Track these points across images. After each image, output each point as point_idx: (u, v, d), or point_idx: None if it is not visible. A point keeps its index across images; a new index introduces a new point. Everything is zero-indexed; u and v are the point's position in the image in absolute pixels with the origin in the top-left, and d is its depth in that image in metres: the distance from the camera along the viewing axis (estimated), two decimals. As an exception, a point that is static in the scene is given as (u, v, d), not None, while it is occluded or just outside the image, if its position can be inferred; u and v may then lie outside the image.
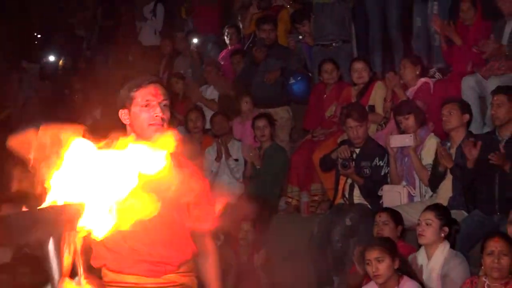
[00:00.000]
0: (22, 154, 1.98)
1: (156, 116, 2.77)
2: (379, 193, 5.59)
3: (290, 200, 6.51)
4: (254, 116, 6.67)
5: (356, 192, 5.67)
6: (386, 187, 5.57)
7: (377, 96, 6.32)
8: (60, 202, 1.90)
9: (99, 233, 1.96)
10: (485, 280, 4.13)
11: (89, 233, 1.96)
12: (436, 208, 4.72)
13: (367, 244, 4.35)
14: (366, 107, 6.15)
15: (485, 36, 6.05)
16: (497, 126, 5.08)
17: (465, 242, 4.80)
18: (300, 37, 7.49)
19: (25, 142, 1.97)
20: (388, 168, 5.60)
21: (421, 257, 4.62)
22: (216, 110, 7.44)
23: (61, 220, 1.89)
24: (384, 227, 4.86)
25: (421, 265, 4.56)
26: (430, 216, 4.60)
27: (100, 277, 2.84)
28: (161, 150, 2.03)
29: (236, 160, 6.76)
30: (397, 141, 5.55)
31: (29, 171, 1.97)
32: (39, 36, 11.94)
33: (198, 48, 8.78)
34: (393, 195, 5.49)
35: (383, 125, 6.15)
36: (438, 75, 6.38)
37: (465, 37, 6.22)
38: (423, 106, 5.83)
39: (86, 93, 8.81)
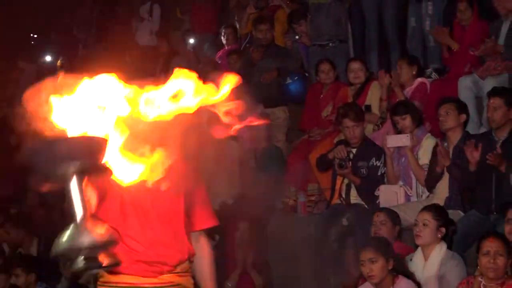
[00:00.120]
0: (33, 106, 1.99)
1: None
2: (376, 193, 5.59)
3: (287, 200, 6.51)
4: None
5: (353, 192, 5.67)
6: (382, 187, 5.57)
7: (374, 96, 6.33)
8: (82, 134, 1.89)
9: (119, 175, 1.95)
10: (481, 280, 4.14)
11: (110, 173, 1.94)
12: (433, 208, 4.72)
13: (361, 244, 4.37)
14: (363, 107, 6.16)
15: (482, 37, 6.06)
16: (493, 128, 5.09)
17: (462, 242, 4.81)
18: (297, 37, 7.49)
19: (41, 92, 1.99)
20: (385, 168, 5.61)
21: (418, 257, 4.62)
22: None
23: (86, 150, 1.86)
24: (382, 227, 4.86)
25: (418, 266, 4.57)
26: (427, 216, 4.60)
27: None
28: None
29: (234, 160, 6.75)
30: (394, 141, 5.55)
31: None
32: (35, 36, 11.92)
33: (194, 48, 8.77)
34: (390, 195, 5.50)
35: (380, 125, 6.15)
36: (434, 75, 6.39)
37: (462, 38, 6.23)
38: (419, 106, 5.83)
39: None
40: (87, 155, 1.88)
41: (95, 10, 10.60)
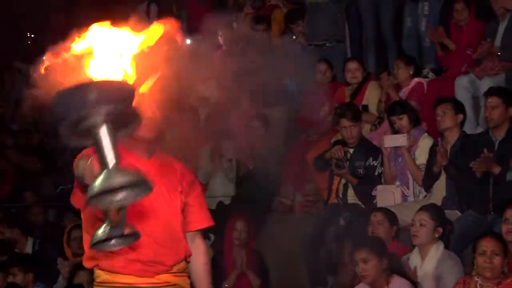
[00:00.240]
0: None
1: None
2: (373, 193, 5.59)
3: (284, 200, 6.50)
4: (248, 116, 6.66)
5: (350, 192, 5.67)
6: (380, 187, 5.57)
7: (371, 96, 6.33)
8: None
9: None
10: (477, 280, 4.14)
11: (140, 121, 1.90)
12: (430, 208, 4.72)
13: (354, 245, 4.38)
14: (360, 107, 6.16)
15: (479, 37, 6.07)
16: (490, 127, 5.10)
17: (459, 242, 4.81)
18: (294, 37, 7.49)
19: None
20: (382, 168, 5.61)
21: (415, 257, 4.62)
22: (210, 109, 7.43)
23: (117, 94, 1.79)
24: (379, 227, 4.87)
25: (416, 266, 4.57)
26: (424, 217, 4.60)
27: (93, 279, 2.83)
28: None
29: (230, 160, 6.76)
30: (391, 141, 5.56)
31: None
32: (31, 36, 11.89)
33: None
34: (387, 195, 5.50)
35: (377, 125, 6.15)
36: (431, 75, 6.40)
37: (458, 38, 6.23)
38: (416, 106, 5.84)
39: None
40: (119, 100, 1.80)
41: (91, 11, 10.58)
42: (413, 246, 4.71)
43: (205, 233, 3.03)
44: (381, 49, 7.06)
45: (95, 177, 1.80)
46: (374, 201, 5.55)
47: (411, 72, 6.13)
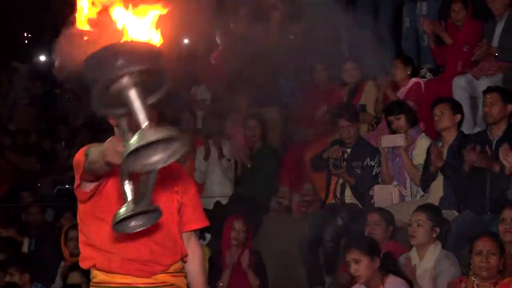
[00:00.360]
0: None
1: None
2: (370, 193, 5.59)
3: (281, 200, 6.50)
4: (245, 116, 6.66)
5: (348, 192, 5.68)
6: (377, 187, 5.58)
7: (369, 96, 6.33)
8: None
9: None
10: (474, 279, 4.15)
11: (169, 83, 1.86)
12: (427, 208, 4.72)
13: (344, 246, 4.39)
14: (357, 107, 6.16)
15: (476, 37, 6.07)
16: (488, 126, 5.09)
17: (456, 242, 4.81)
18: (291, 37, 7.47)
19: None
20: (379, 168, 5.61)
21: (413, 257, 4.63)
22: (207, 110, 7.43)
23: (147, 54, 1.77)
24: (376, 227, 4.88)
25: (414, 265, 4.57)
26: (422, 217, 4.60)
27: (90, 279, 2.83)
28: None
29: (229, 160, 6.76)
30: (388, 141, 5.56)
31: None
32: (29, 35, 11.89)
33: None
34: (384, 195, 5.50)
35: (375, 125, 6.15)
36: (429, 75, 6.40)
37: (456, 38, 6.24)
38: (414, 106, 5.84)
39: (77, 92, 8.79)
40: (147, 60, 1.78)
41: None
42: (410, 246, 4.72)
43: (200, 233, 3.03)
44: (379, 49, 7.05)
45: (124, 144, 1.74)
46: (372, 201, 5.56)
47: (409, 72, 6.13)
